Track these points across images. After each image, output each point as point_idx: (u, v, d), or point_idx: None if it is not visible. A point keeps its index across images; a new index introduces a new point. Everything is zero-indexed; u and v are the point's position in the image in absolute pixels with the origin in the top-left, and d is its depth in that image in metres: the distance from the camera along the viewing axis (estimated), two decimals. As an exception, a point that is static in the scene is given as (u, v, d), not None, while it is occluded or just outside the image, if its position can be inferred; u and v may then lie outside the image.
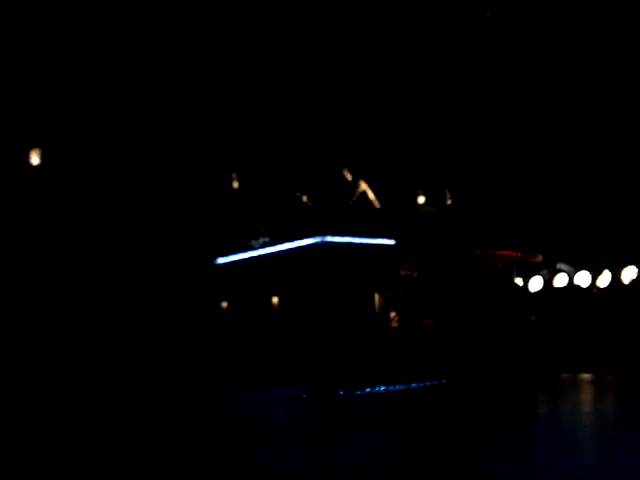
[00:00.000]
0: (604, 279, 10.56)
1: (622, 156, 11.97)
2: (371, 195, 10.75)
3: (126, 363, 8.77)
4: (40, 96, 11.07)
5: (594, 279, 10.71)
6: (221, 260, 11.90)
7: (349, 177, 11.11)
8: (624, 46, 11.62)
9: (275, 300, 10.92)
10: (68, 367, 8.48)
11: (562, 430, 4.34)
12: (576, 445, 3.83)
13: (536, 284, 11.37)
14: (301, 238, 10.42)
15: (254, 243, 11.36)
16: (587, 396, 6.54)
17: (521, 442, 3.89)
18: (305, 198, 11.47)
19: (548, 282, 11.05)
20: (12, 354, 8.56)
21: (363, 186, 10.90)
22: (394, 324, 10.00)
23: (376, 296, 10.41)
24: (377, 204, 10.90)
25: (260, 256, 11.18)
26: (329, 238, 9.95)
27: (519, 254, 11.67)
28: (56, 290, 10.50)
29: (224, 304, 11.74)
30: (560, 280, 11.17)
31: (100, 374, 8.37)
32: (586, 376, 7.77)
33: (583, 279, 10.90)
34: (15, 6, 10.63)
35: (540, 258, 11.88)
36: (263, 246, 11.19)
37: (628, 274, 10.31)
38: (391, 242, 10.35)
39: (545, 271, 11.33)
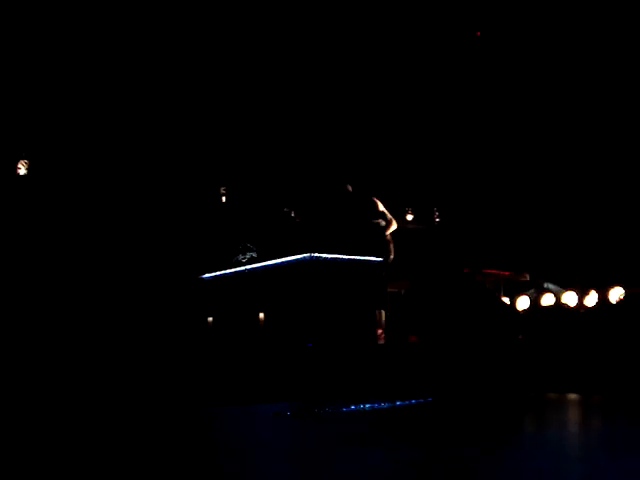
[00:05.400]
0: (591, 299, 10.58)
1: (608, 179, 12.04)
2: (381, 207, 10.57)
3: (109, 377, 8.67)
4: (28, 107, 11.02)
5: (581, 299, 10.72)
6: (207, 275, 11.82)
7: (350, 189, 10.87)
8: (617, 69, 11.74)
9: (262, 316, 10.84)
10: (49, 382, 8.36)
11: (550, 450, 4.29)
12: (565, 465, 3.79)
13: (523, 303, 11.37)
14: (289, 254, 10.37)
15: (241, 258, 11.29)
16: (575, 416, 6.50)
17: (508, 461, 3.84)
18: (293, 214, 11.43)
19: (535, 301, 11.04)
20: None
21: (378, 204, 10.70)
22: (380, 341, 9.95)
23: (363, 313, 10.35)
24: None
25: (247, 271, 11.11)
26: (316, 254, 9.90)
27: (507, 273, 11.67)
28: (41, 302, 10.40)
29: (210, 319, 11.65)
30: (547, 299, 11.17)
31: (82, 387, 8.26)
32: (573, 396, 7.74)
33: (570, 299, 10.90)
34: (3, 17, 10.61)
35: (527, 277, 11.89)
36: (250, 261, 11.13)
37: (614, 294, 10.32)
38: (379, 259, 10.32)
39: (532, 290, 11.33)
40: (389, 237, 10.60)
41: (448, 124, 13.37)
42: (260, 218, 11.76)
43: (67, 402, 7.69)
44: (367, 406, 6.76)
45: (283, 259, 10.36)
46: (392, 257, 10.59)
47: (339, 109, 13.03)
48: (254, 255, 11.13)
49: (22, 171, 11.12)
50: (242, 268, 11.08)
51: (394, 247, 10.64)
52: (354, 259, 10.07)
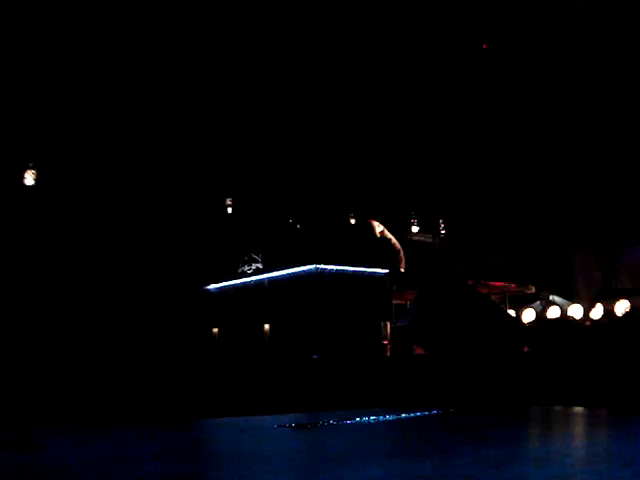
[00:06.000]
0: (596, 312, 10.56)
1: (613, 192, 12.03)
2: (388, 234, 10.66)
3: (114, 389, 8.67)
4: (34, 117, 11.09)
5: (587, 312, 10.70)
6: (213, 286, 11.83)
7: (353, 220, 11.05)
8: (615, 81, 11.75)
9: (267, 327, 10.84)
10: (54, 390, 8.36)
11: (556, 464, 4.27)
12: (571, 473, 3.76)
13: (529, 315, 11.34)
14: (294, 265, 10.38)
15: (247, 269, 11.30)
16: (580, 429, 6.46)
17: (513, 474, 3.82)
18: (299, 225, 11.46)
19: (541, 314, 11.03)
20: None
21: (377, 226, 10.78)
22: (386, 353, 9.94)
23: (368, 325, 10.35)
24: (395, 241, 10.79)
25: (253, 282, 11.12)
26: (322, 266, 9.90)
27: (513, 285, 11.66)
28: (46, 312, 10.42)
29: (215, 330, 11.66)
30: (553, 312, 11.15)
31: (86, 397, 8.27)
32: (579, 409, 7.69)
33: (576, 311, 10.89)
34: (7, 25, 10.69)
35: (533, 290, 11.87)
36: (256, 273, 11.14)
37: (620, 307, 10.30)
38: (384, 271, 10.33)
39: (538, 302, 11.31)
40: (398, 246, 10.61)
41: (455, 136, 13.39)
42: (266, 229, 11.78)
43: (71, 410, 7.69)
44: (372, 418, 6.74)
45: (289, 270, 10.37)
46: (403, 268, 10.60)
47: (345, 121, 13.06)
48: (260, 266, 11.13)
49: (29, 181, 11.17)
50: (247, 279, 11.09)
51: (405, 258, 10.68)
52: (359, 271, 10.07)
